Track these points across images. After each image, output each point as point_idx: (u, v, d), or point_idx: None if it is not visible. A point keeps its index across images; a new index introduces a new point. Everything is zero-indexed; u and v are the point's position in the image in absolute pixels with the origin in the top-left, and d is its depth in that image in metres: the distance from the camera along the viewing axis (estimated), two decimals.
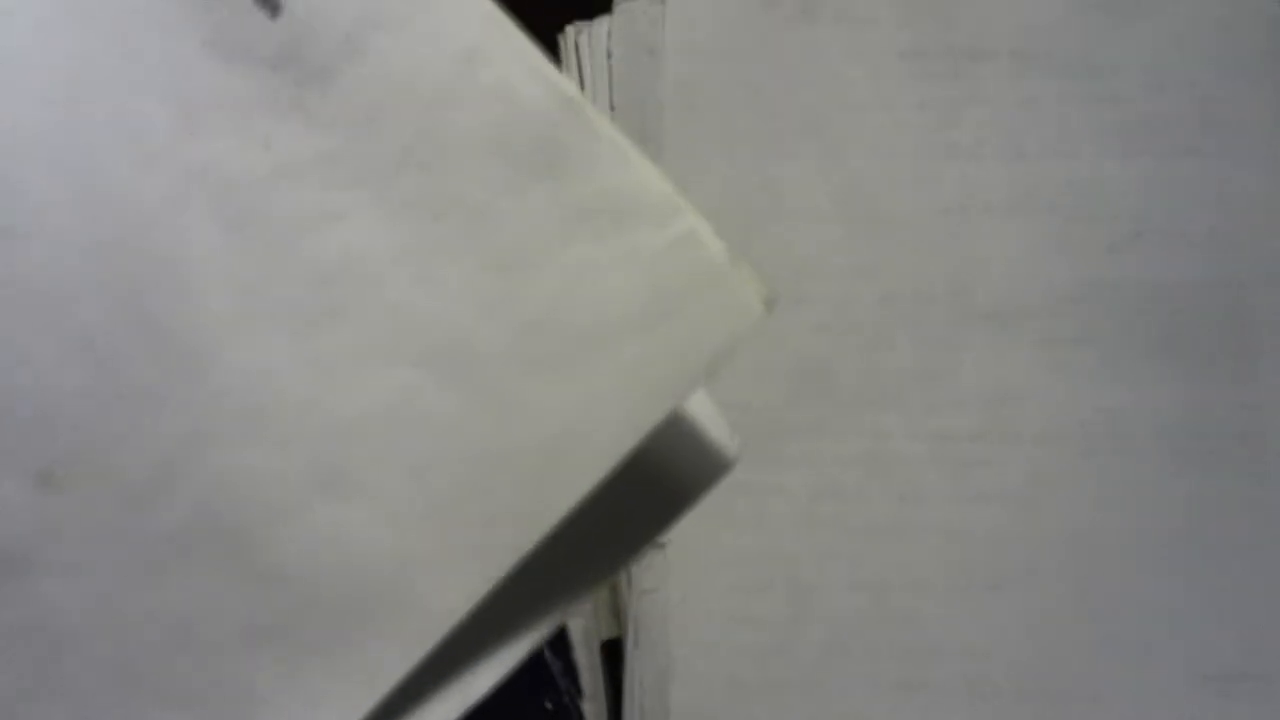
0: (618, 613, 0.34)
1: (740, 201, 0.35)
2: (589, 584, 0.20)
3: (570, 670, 0.33)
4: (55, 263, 0.18)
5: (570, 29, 0.36)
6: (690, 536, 0.33)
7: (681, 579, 0.33)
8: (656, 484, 0.20)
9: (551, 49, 0.36)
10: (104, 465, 0.18)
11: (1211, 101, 0.35)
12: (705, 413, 0.21)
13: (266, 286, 0.19)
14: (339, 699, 0.18)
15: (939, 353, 0.34)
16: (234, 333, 0.18)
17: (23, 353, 0.18)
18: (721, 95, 0.36)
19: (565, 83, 0.19)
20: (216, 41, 0.19)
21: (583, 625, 0.33)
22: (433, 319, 0.19)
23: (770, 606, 0.33)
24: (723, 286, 0.19)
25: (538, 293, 0.19)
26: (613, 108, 0.36)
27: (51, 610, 0.18)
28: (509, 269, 0.19)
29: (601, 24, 0.36)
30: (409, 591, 0.18)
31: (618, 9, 0.36)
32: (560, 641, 0.33)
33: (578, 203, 0.19)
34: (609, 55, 0.36)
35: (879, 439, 0.34)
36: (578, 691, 0.33)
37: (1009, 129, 0.36)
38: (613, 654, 0.33)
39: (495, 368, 0.19)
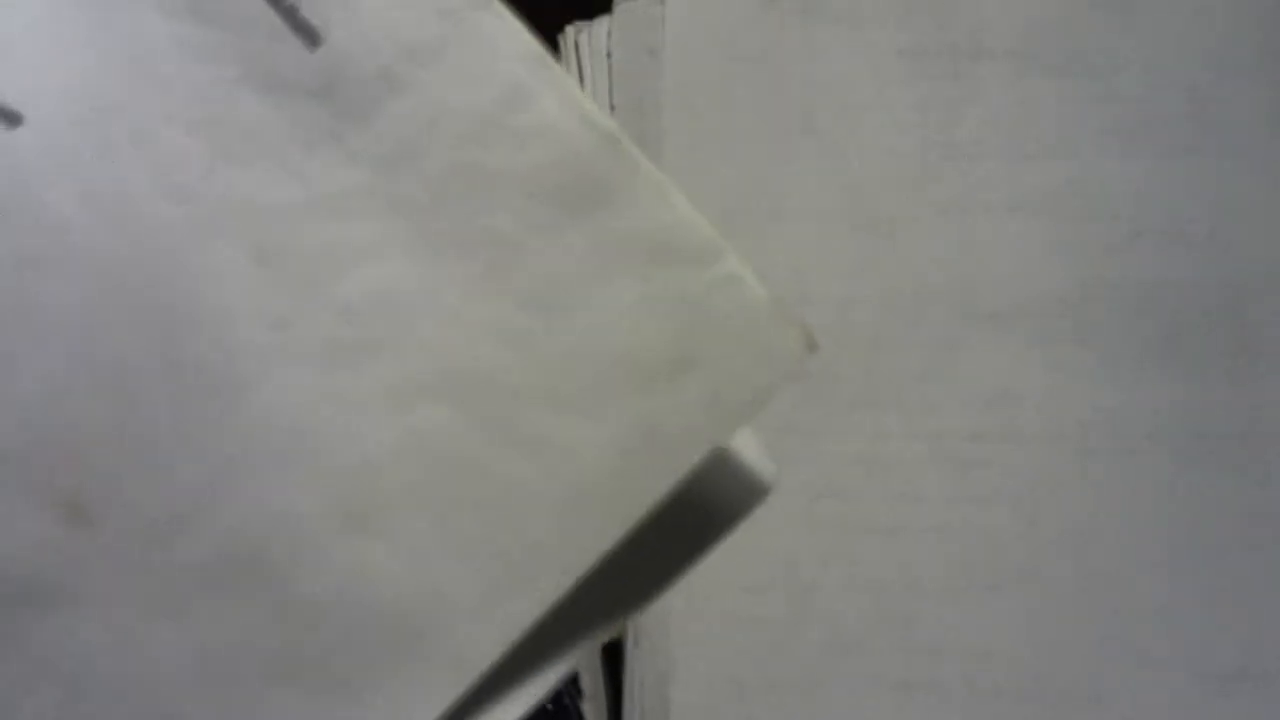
0: None
1: (740, 201, 0.35)
2: (621, 613, 0.20)
3: (570, 671, 0.33)
4: (85, 294, 0.18)
5: (570, 29, 0.36)
6: None
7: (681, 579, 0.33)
8: (692, 513, 0.20)
9: (551, 49, 0.36)
10: (131, 499, 0.18)
11: (1211, 101, 0.35)
12: (745, 439, 0.20)
13: (297, 320, 0.18)
14: None
15: (939, 353, 0.34)
16: (263, 367, 0.18)
17: (54, 385, 0.18)
18: (721, 95, 0.36)
19: (607, 120, 0.19)
20: (253, 71, 0.19)
21: None
22: (465, 356, 0.18)
23: (770, 606, 0.33)
24: (765, 329, 0.19)
25: (573, 330, 0.18)
26: (613, 108, 0.36)
27: (74, 646, 0.18)
28: (544, 306, 0.19)
29: (601, 24, 0.36)
30: (439, 633, 0.18)
31: (618, 9, 0.36)
32: None
33: (617, 241, 0.19)
34: (609, 55, 0.36)
35: (879, 439, 0.34)
36: (578, 691, 0.33)
37: (1009, 129, 0.36)
38: (613, 654, 0.33)
39: (527, 406, 0.18)
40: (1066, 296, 0.35)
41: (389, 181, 0.19)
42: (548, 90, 0.19)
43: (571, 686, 0.33)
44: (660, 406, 0.18)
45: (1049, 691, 0.33)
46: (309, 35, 0.19)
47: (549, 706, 0.32)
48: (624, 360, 0.18)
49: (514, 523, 0.18)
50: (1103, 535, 0.33)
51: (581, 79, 0.36)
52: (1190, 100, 0.35)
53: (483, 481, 0.18)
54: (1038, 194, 0.35)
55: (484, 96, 0.19)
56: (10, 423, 0.18)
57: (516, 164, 0.19)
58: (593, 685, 0.33)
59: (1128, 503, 0.33)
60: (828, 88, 0.36)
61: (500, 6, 0.19)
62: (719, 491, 0.20)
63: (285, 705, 0.18)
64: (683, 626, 0.33)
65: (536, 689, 0.19)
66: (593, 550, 0.18)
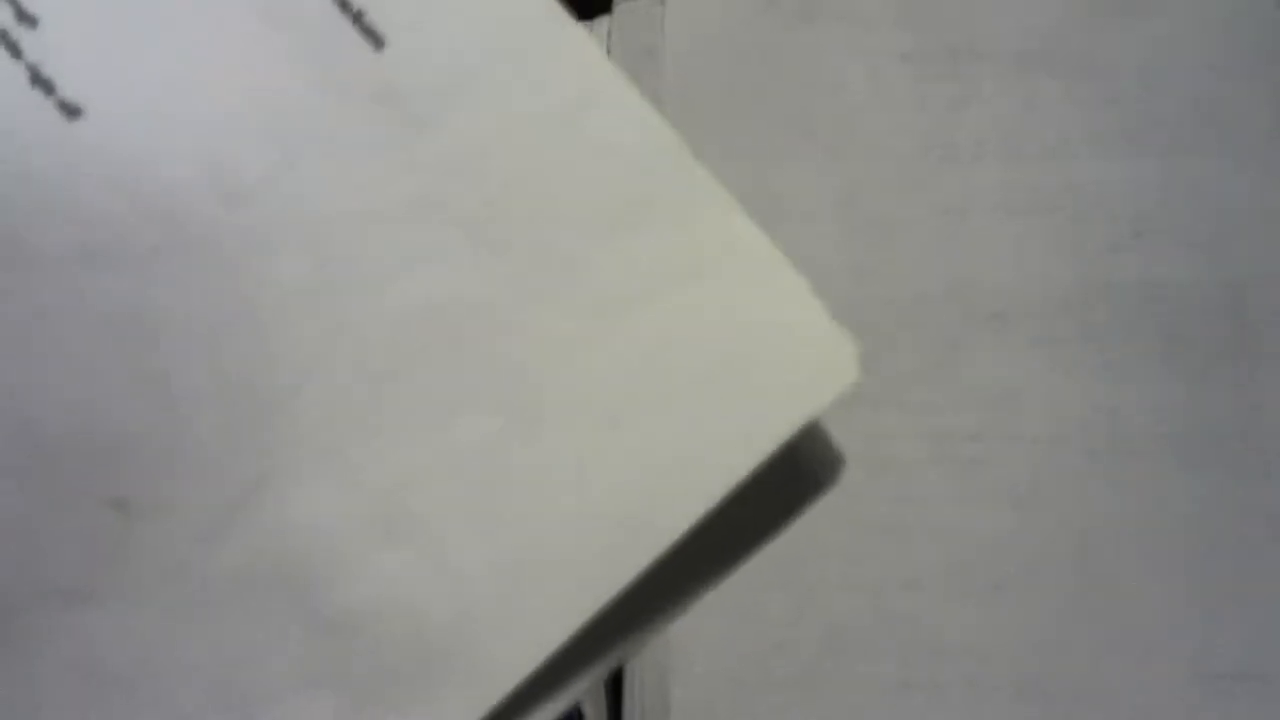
0: None
1: (740, 202, 0.35)
2: (666, 616, 0.20)
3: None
4: (135, 295, 0.18)
5: None
6: None
7: None
8: (743, 510, 0.19)
9: None
10: (173, 500, 0.18)
11: (1211, 101, 0.35)
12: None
13: (350, 328, 0.18)
14: None
15: (939, 353, 0.34)
16: (311, 374, 0.18)
17: (101, 384, 0.18)
18: (721, 95, 0.36)
19: (669, 131, 0.19)
20: (316, 74, 0.19)
21: None
22: (517, 367, 0.18)
23: (770, 606, 0.33)
24: (822, 346, 0.19)
25: (626, 345, 0.18)
26: None
27: (105, 647, 0.18)
28: (600, 318, 0.18)
29: (601, 24, 0.36)
30: (471, 648, 0.18)
31: (618, 9, 0.36)
32: None
33: (675, 253, 0.18)
34: (609, 55, 0.36)
35: (879, 439, 0.34)
36: None
37: (1009, 129, 0.36)
38: None
39: (578, 420, 0.18)
40: (1067, 297, 0.35)
41: (449, 190, 0.19)
42: (613, 101, 0.19)
43: None
44: (713, 424, 0.18)
45: (1049, 691, 0.33)
46: (375, 38, 0.19)
47: None
48: (677, 375, 0.18)
49: (557, 541, 0.18)
50: (1103, 535, 0.33)
51: None
52: (1190, 100, 0.36)
53: (526, 496, 0.18)
54: (1038, 194, 0.35)
55: (548, 107, 0.19)
56: (60, 421, 0.18)
57: (579, 173, 0.19)
58: (593, 685, 0.33)
59: (1128, 502, 0.33)
60: (828, 88, 0.36)
61: (567, 16, 0.19)
62: (773, 485, 0.20)
63: (315, 716, 0.18)
64: (683, 626, 0.33)
65: (569, 696, 0.19)
66: (629, 569, 0.18)
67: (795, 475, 0.20)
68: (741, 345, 0.18)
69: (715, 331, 0.18)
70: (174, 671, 0.18)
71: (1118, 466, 0.34)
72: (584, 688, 0.19)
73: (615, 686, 0.33)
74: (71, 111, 0.18)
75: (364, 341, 0.18)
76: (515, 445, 0.18)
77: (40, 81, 0.18)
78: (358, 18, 0.19)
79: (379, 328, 0.18)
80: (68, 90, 0.18)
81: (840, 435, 0.35)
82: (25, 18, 0.18)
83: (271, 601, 0.18)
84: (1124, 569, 0.33)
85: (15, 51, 0.18)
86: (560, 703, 0.19)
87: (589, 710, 0.33)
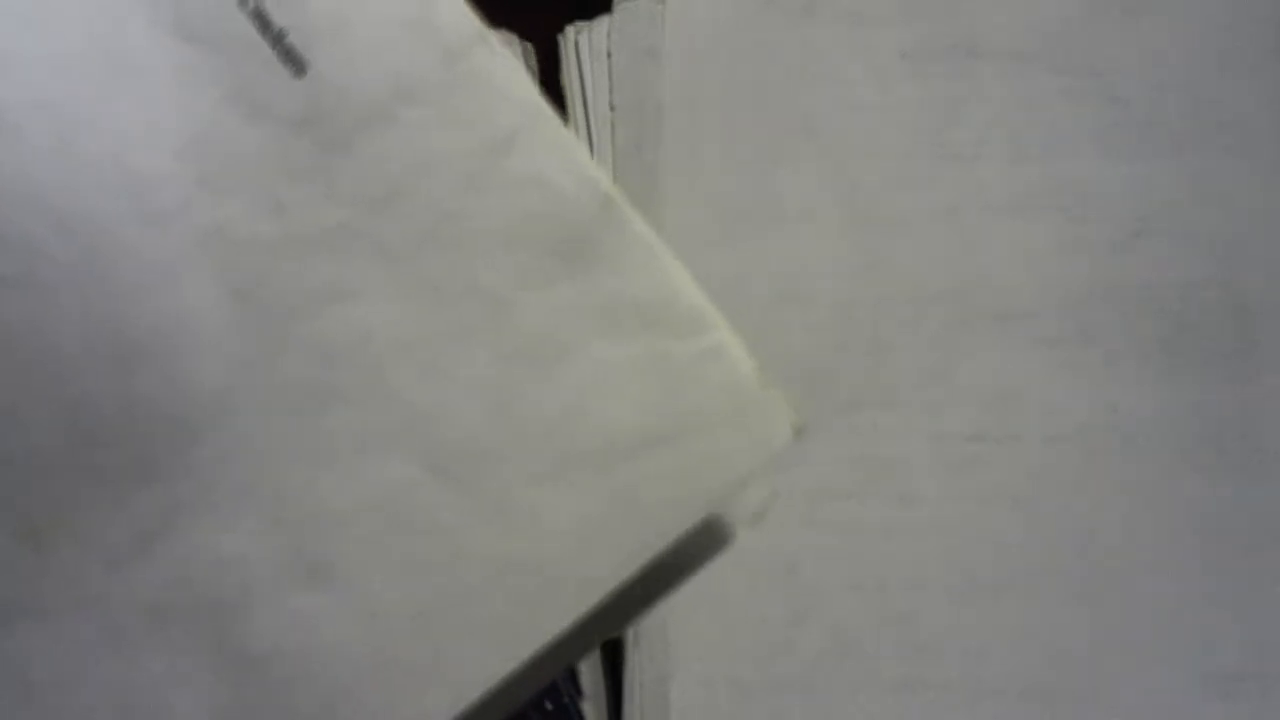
0: None
1: (740, 202, 0.35)
2: (574, 657, 0.19)
3: (570, 670, 0.33)
4: (50, 320, 0.18)
5: (570, 29, 0.36)
6: None
7: None
8: (657, 568, 0.19)
9: (551, 49, 0.36)
10: (86, 527, 0.18)
11: (1211, 101, 0.35)
12: None
13: (267, 361, 0.18)
14: None
15: (939, 353, 0.34)
16: (227, 408, 0.18)
17: (13, 411, 0.18)
18: (721, 95, 0.36)
19: (602, 178, 0.18)
20: (237, 95, 0.18)
21: None
22: (438, 411, 0.18)
23: (770, 606, 0.33)
24: (751, 408, 0.18)
25: (553, 394, 0.18)
26: (612, 108, 0.36)
27: (30, 660, 0.17)
28: (524, 365, 0.18)
29: (601, 24, 0.36)
30: (385, 695, 0.17)
31: (618, 9, 0.36)
32: None
33: (603, 303, 0.18)
34: (609, 55, 0.36)
35: (879, 439, 0.34)
36: (578, 691, 0.33)
37: (1009, 129, 0.36)
38: (613, 654, 0.33)
39: (501, 470, 0.18)
40: (1067, 297, 0.35)
41: (373, 222, 0.18)
42: (543, 140, 0.18)
43: (571, 686, 0.33)
44: (637, 483, 0.17)
45: (1049, 691, 0.33)
46: (296, 63, 0.18)
47: (549, 706, 0.32)
48: (604, 430, 0.18)
49: (475, 591, 0.17)
50: (1103, 535, 0.33)
51: (581, 79, 0.36)
52: (1191, 100, 0.35)
53: (446, 544, 0.18)
54: (1038, 194, 0.35)
55: (476, 142, 0.18)
56: None
57: (506, 215, 0.18)
58: (593, 685, 0.33)
59: (1128, 503, 0.33)
60: (828, 88, 0.36)
61: (499, 47, 0.19)
62: (685, 546, 0.19)
63: None
64: (683, 626, 0.33)
65: None
66: (553, 626, 0.17)
67: (708, 532, 0.19)
68: (671, 405, 0.18)
69: (645, 388, 0.18)
70: (93, 695, 0.18)
71: (1118, 466, 0.34)
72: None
73: (615, 686, 0.33)
74: None
75: (283, 375, 0.18)
76: (436, 493, 0.18)
77: None
78: (279, 39, 0.18)
79: (299, 361, 0.18)
80: None
81: (841, 435, 0.35)
82: None
83: (186, 636, 0.18)
84: (1124, 569, 0.33)
85: None
86: None
87: (589, 710, 0.33)
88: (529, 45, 0.36)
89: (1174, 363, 0.34)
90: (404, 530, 0.18)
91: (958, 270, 0.35)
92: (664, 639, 0.33)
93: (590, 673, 0.33)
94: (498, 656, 0.18)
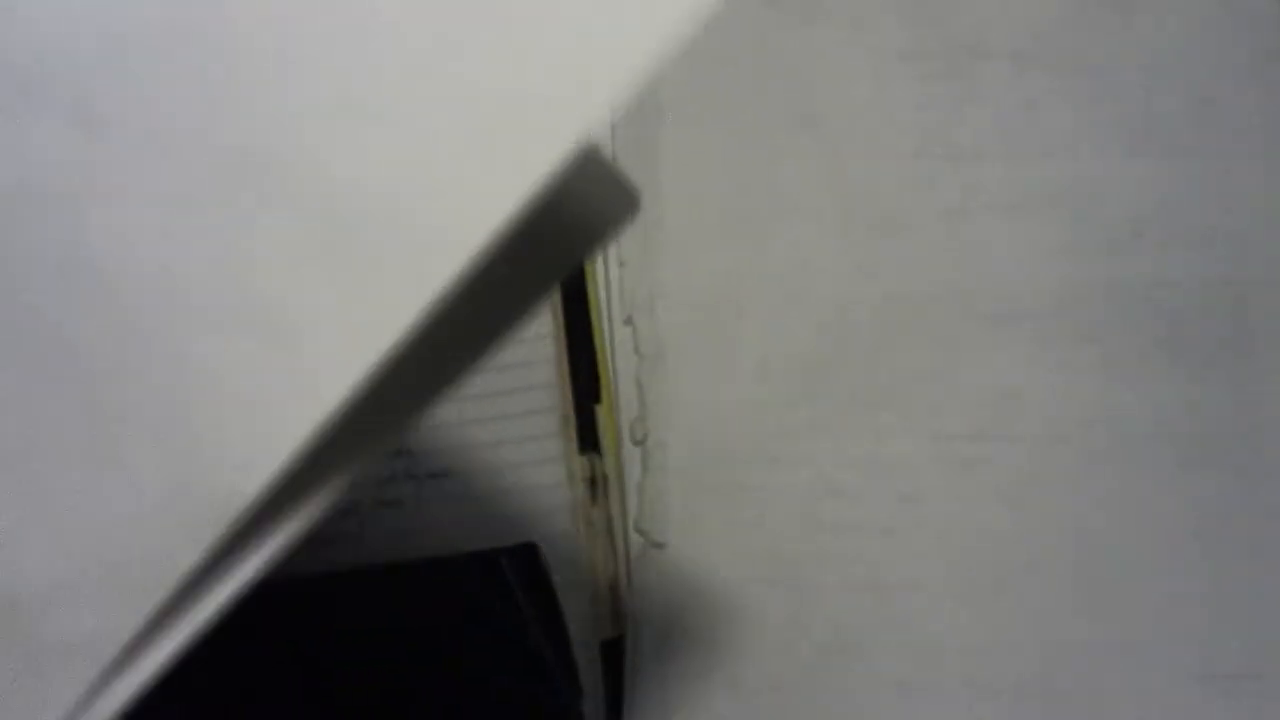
0: (618, 613, 0.34)
1: (740, 201, 0.35)
2: (474, 359, 0.18)
3: (570, 670, 0.33)
4: None
5: None
6: (690, 537, 0.33)
7: (681, 579, 0.33)
8: (563, 228, 0.17)
9: None
10: (149, 101, 0.17)
11: (1211, 101, 0.35)
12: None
13: None
14: (376, 325, 0.16)
15: (939, 353, 0.34)
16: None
17: None
18: (721, 95, 0.36)
19: None
20: None
21: (582, 625, 0.33)
22: None
23: (770, 606, 0.33)
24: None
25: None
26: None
27: (98, 242, 0.17)
28: None
29: None
30: (428, 220, 0.16)
31: None
32: (560, 640, 0.33)
33: None
34: None
35: (879, 439, 0.34)
36: (577, 691, 0.33)
37: (1009, 129, 0.36)
38: (613, 654, 0.33)
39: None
40: (1067, 296, 0.35)
41: None
42: None
43: (571, 686, 0.33)
44: (573, 43, 0.14)
45: (1049, 691, 0.33)
46: None
47: (549, 706, 0.32)
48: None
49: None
50: (1103, 535, 0.33)
51: None
52: (1191, 100, 0.35)
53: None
54: (1038, 194, 0.35)
55: None
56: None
57: None
58: (592, 685, 0.33)
59: (1128, 502, 0.33)
60: (828, 88, 0.36)
61: None
62: (592, 199, 0.17)
63: (305, 290, 0.16)
64: (682, 625, 0.33)
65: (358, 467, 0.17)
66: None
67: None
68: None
69: None
70: (173, 257, 0.16)
71: (1118, 466, 0.34)
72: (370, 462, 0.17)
73: (615, 686, 0.33)
74: None
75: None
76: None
77: None
78: None
79: None
80: None
81: (841, 435, 0.35)
82: None
83: (257, 187, 0.16)
84: (1124, 569, 0.33)
85: None
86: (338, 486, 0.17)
87: (589, 710, 0.33)
88: None
89: (1174, 363, 0.34)
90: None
91: (958, 270, 0.35)
92: (664, 638, 0.33)
93: (590, 672, 0.33)
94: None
